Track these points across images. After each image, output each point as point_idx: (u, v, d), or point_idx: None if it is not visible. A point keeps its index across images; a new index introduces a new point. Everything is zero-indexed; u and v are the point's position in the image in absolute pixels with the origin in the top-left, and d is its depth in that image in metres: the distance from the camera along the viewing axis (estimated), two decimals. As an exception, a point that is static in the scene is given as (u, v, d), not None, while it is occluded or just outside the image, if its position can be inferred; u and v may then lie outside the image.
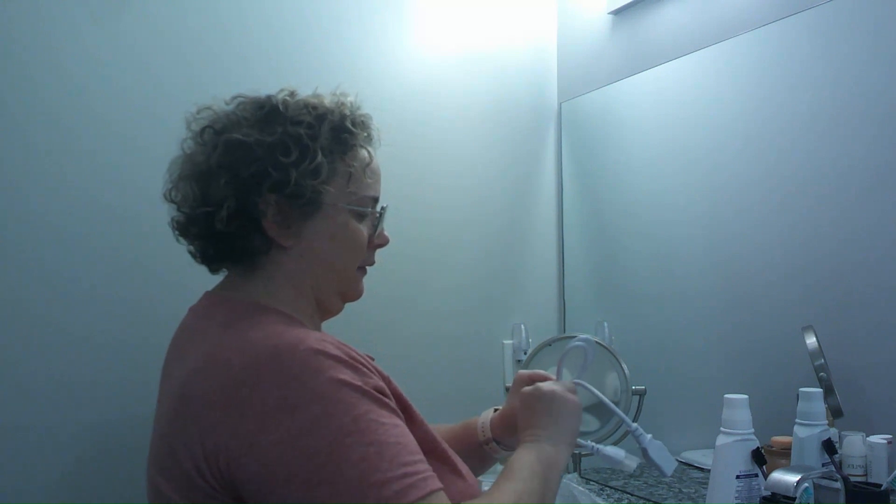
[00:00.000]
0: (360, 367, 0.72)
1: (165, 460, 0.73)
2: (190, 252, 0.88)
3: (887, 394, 1.09)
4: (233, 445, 0.67)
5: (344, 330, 0.91)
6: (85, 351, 1.13)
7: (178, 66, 1.24)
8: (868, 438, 1.00)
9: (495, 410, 1.06)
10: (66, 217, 1.13)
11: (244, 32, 1.32)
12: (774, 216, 1.27)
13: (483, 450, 1.04)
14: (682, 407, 1.46)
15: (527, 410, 0.91)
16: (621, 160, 1.62)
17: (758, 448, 0.95)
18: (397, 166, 1.25)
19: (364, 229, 0.88)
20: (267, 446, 0.66)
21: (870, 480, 0.98)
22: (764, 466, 0.94)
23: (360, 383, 0.70)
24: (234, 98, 0.87)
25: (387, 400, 0.73)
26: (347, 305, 0.92)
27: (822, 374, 1.07)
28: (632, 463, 0.96)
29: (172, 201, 0.85)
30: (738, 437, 0.95)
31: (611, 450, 0.97)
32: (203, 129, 0.84)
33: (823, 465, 0.96)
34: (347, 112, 0.86)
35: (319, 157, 0.82)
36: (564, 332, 1.71)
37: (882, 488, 0.91)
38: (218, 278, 0.89)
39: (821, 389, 1.01)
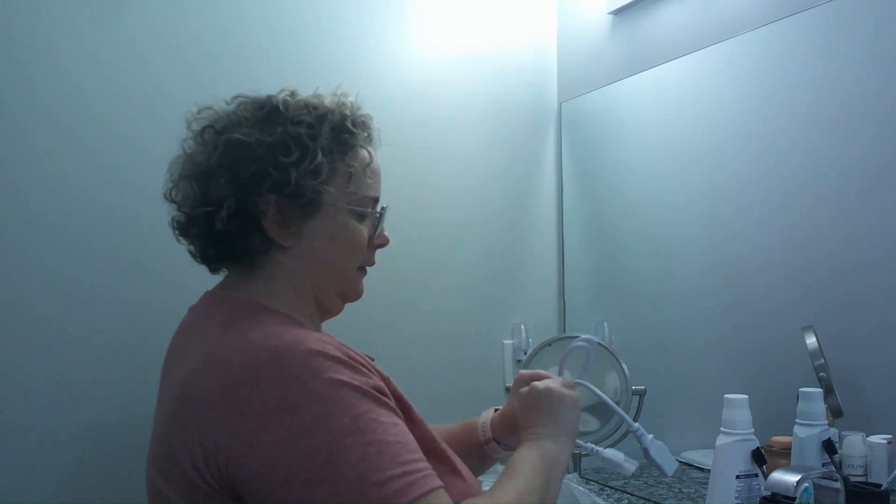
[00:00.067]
0: (360, 367, 0.73)
1: (165, 460, 0.73)
2: (190, 252, 0.88)
3: (887, 394, 1.09)
4: (233, 445, 0.67)
5: (344, 330, 0.91)
6: (85, 351, 1.13)
7: (178, 66, 1.24)
8: (868, 438, 1.00)
9: (496, 410, 1.06)
10: (66, 217, 1.13)
11: (244, 32, 1.32)
12: (774, 216, 1.27)
13: (483, 450, 1.04)
14: (682, 407, 1.46)
15: (526, 411, 0.91)
16: (621, 160, 1.62)
17: (758, 448, 0.95)
18: (397, 166, 1.25)
19: (364, 229, 0.88)
20: (267, 446, 0.66)
21: (870, 480, 0.98)
22: (764, 466, 0.94)
23: (359, 383, 0.70)
24: (235, 98, 0.87)
25: (386, 399, 0.73)
26: (347, 305, 0.92)
27: (822, 374, 1.07)
28: (631, 466, 0.96)
29: (173, 201, 0.86)
30: (738, 437, 0.95)
31: (610, 452, 0.97)
32: (203, 129, 0.84)
33: (823, 465, 0.96)
34: (348, 112, 0.87)
35: (320, 157, 0.82)
36: (564, 332, 1.71)
37: (882, 488, 0.91)
38: (218, 278, 0.89)
39: (821, 389, 1.01)
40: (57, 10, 1.14)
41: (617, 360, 1.33)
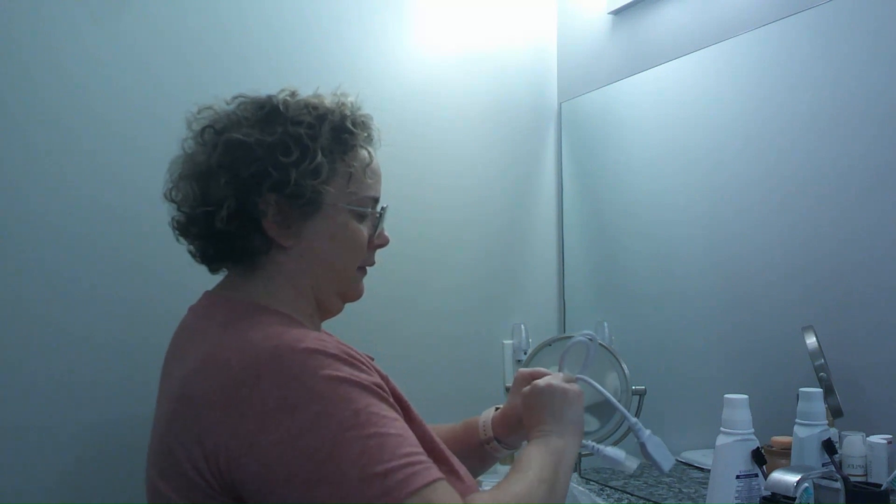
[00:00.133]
0: (360, 364, 0.73)
1: (165, 460, 0.73)
2: (190, 252, 0.88)
3: (887, 394, 1.09)
4: (233, 445, 0.67)
5: (344, 330, 0.92)
6: (85, 351, 1.13)
7: (178, 66, 1.24)
8: (868, 438, 1.00)
9: (496, 409, 1.06)
10: (66, 217, 1.13)
11: (244, 32, 1.32)
12: (774, 216, 1.27)
13: (484, 449, 1.04)
14: (682, 407, 1.46)
15: (530, 410, 0.91)
16: (621, 160, 1.62)
17: (758, 448, 0.95)
18: (397, 166, 1.25)
19: (364, 229, 0.88)
20: (267, 446, 0.66)
21: (870, 480, 0.98)
22: (764, 466, 0.94)
23: (359, 379, 0.70)
24: (235, 98, 0.87)
25: (385, 395, 0.73)
26: (347, 305, 0.92)
27: (822, 374, 1.07)
28: (632, 464, 0.96)
29: (173, 201, 0.86)
30: (738, 437, 0.95)
31: (611, 450, 0.97)
32: (203, 129, 0.84)
33: (823, 465, 0.96)
34: (348, 112, 0.87)
35: (319, 157, 0.82)
36: (564, 332, 1.70)
37: (882, 488, 0.91)
38: (218, 278, 0.89)
39: (821, 389, 1.01)
40: (57, 10, 1.14)
41: (617, 359, 1.32)
